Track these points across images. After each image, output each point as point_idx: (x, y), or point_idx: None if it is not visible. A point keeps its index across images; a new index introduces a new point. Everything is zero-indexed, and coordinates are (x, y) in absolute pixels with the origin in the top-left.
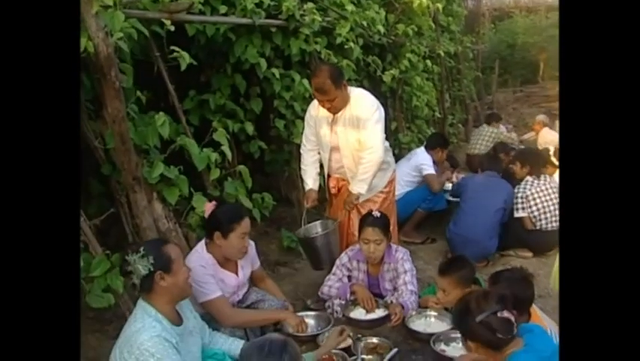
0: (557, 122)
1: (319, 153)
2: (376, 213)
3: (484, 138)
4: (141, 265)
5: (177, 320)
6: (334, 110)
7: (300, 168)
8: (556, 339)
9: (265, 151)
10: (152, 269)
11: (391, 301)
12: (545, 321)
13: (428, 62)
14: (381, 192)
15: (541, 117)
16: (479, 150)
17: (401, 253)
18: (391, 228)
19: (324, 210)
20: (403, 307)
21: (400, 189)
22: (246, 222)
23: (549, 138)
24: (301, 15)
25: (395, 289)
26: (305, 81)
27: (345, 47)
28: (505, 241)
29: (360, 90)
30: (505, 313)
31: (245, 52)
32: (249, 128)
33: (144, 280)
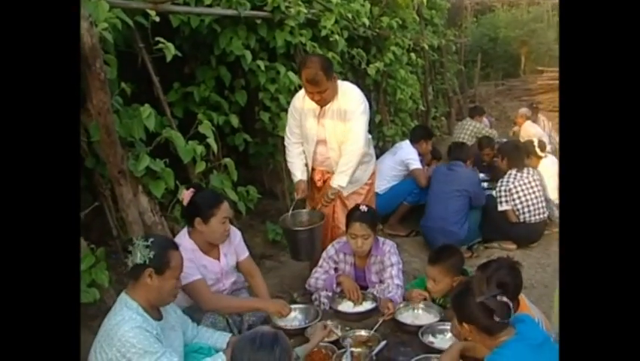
0: (540, 116)
1: (303, 146)
2: (364, 208)
3: (466, 132)
4: (140, 253)
5: (157, 315)
6: (323, 102)
7: (285, 161)
8: (543, 328)
9: (250, 144)
10: (146, 262)
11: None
12: (533, 310)
13: (412, 55)
14: (366, 184)
15: (523, 110)
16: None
17: (388, 246)
18: None
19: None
20: (392, 301)
21: (386, 183)
22: (225, 206)
23: (532, 131)
24: (286, 7)
25: (381, 281)
26: (290, 74)
27: (331, 39)
28: (489, 234)
29: (348, 84)
30: (505, 298)
31: (230, 44)
32: (234, 120)
33: (135, 267)
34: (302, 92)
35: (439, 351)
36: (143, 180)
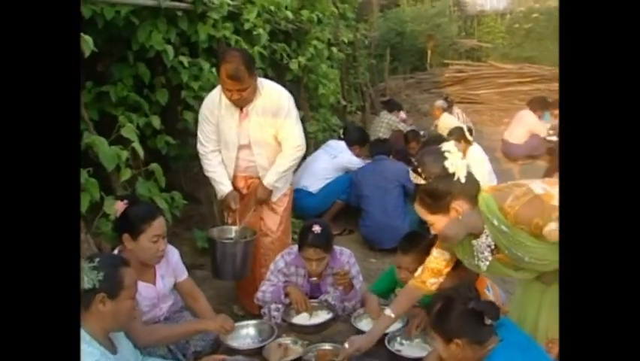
0: (454, 108)
1: (222, 153)
2: (317, 230)
3: (381, 125)
4: (87, 277)
5: (112, 348)
6: (243, 101)
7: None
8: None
9: (170, 146)
10: (96, 286)
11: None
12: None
13: (334, 49)
14: (290, 183)
15: (439, 103)
16: (378, 136)
17: (346, 257)
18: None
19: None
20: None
21: (320, 183)
22: (158, 223)
23: (449, 123)
24: None
25: (336, 289)
26: (215, 70)
27: (254, 32)
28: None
29: (267, 81)
30: (489, 297)
31: (149, 38)
32: (156, 122)
33: (84, 294)
34: (216, 92)
35: (410, 360)
36: None
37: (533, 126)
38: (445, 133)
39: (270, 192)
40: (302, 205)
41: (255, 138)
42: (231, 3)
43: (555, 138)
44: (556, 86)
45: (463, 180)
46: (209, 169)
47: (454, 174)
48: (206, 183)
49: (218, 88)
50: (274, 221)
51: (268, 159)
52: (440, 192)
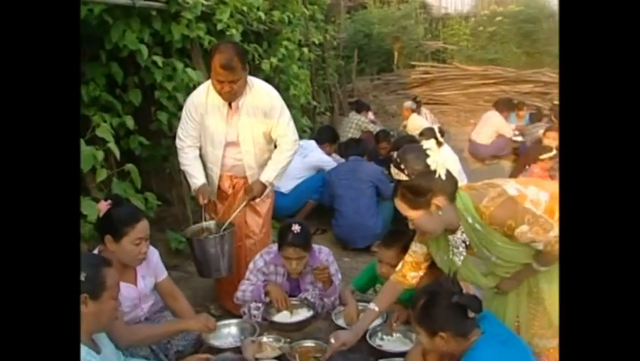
0: (422, 108)
1: (201, 150)
2: (296, 229)
3: (351, 126)
4: None
5: (95, 348)
6: (232, 95)
7: (179, 164)
8: None
9: (143, 147)
10: None
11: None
12: None
13: (305, 49)
14: (272, 185)
15: (408, 104)
16: (347, 137)
17: (324, 255)
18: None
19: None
20: None
21: (292, 183)
22: (142, 226)
23: (419, 123)
24: None
25: (315, 287)
26: (189, 70)
27: (227, 33)
28: (399, 225)
29: (257, 79)
30: (471, 290)
31: (123, 37)
32: (129, 122)
33: None
34: (203, 88)
35: (391, 354)
36: None
37: (499, 127)
38: (414, 133)
39: (264, 189)
40: (275, 205)
41: (244, 135)
42: (205, 3)
43: (520, 139)
44: (519, 87)
45: (443, 177)
46: (185, 162)
47: (435, 171)
48: (177, 183)
49: (205, 84)
50: (257, 223)
51: (255, 157)
52: (422, 188)
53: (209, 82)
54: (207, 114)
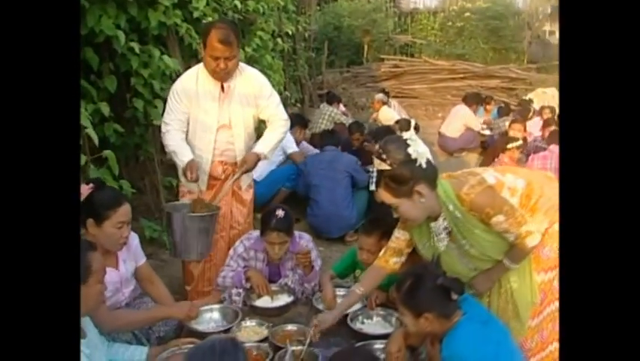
0: (391, 101)
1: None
2: (280, 213)
3: (323, 117)
4: None
5: (81, 333)
6: (226, 75)
7: (155, 152)
8: None
9: (116, 135)
10: None
11: (286, 283)
12: None
13: (279, 40)
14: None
15: (379, 96)
16: (320, 128)
17: (305, 241)
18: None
19: None
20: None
21: (265, 169)
22: (124, 210)
23: (389, 115)
24: None
25: (295, 273)
26: (165, 57)
27: (203, 21)
28: (369, 214)
29: (244, 64)
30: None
31: (99, 23)
32: (105, 109)
33: None
34: (192, 73)
35: (372, 337)
36: None
37: (468, 121)
38: (385, 125)
39: (258, 160)
40: None
41: (236, 119)
42: None
43: (488, 132)
44: (486, 82)
45: (424, 166)
46: (171, 143)
47: (416, 160)
48: (149, 172)
49: (194, 70)
50: (242, 213)
51: (245, 142)
52: (404, 176)
53: (197, 68)
54: (198, 99)
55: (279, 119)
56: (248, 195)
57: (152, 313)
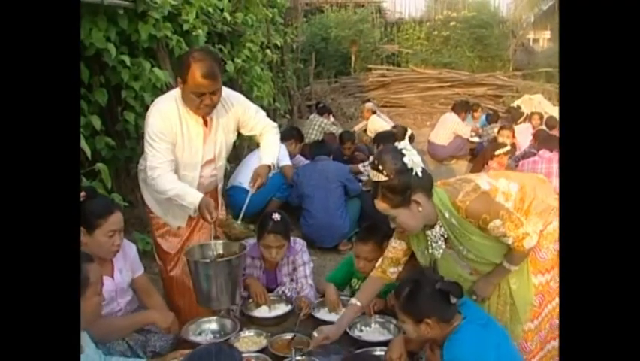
0: (378, 111)
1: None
2: (276, 217)
3: (313, 128)
4: None
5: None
6: (210, 109)
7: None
8: None
9: (107, 148)
10: None
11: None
12: None
13: (268, 51)
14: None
15: (369, 105)
16: (310, 139)
17: (299, 245)
18: None
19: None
20: (307, 299)
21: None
22: (115, 218)
23: (378, 124)
24: None
25: (292, 280)
26: (156, 70)
27: (194, 33)
28: (363, 221)
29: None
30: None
31: (89, 35)
32: (96, 122)
33: None
34: (170, 108)
35: (371, 344)
36: None
37: (457, 128)
38: (374, 134)
39: (269, 171)
40: (238, 202)
41: (219, 150)
42: (173, 3)
43: (477, 139)
44: (473, 90)
45: (420, 175)
46: (169, 187)
47: (412, 169)
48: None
49: (170, 102)
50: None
51: (224, 168)
52: (401, 186)
53: (174, 100)
54: (183, 140)
55: (270, 128)
56: None
57: (135, 318)
